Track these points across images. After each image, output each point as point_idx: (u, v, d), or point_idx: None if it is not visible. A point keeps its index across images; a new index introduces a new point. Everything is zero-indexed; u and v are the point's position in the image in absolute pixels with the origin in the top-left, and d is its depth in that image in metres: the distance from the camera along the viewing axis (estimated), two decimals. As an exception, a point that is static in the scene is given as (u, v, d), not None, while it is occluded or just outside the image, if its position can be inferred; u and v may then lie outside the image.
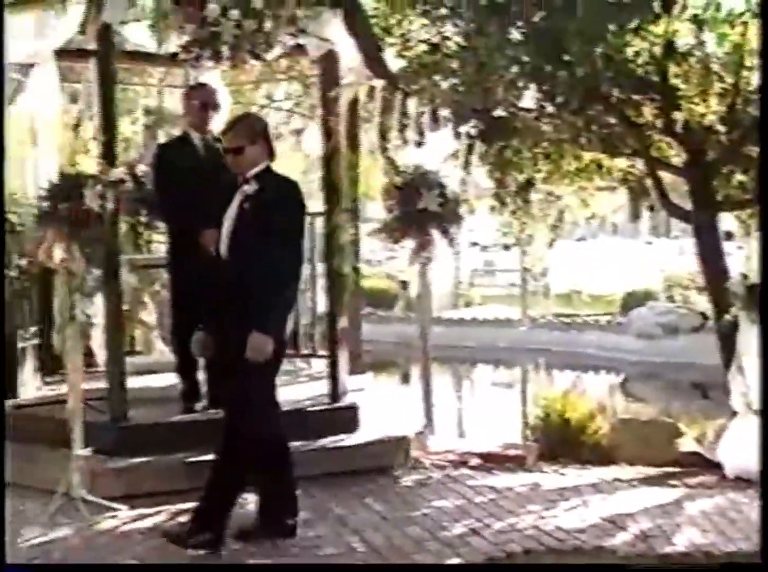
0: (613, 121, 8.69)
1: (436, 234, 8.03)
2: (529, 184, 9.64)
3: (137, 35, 8.34)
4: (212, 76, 8.83)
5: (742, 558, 6.10)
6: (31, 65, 8.75)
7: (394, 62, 8.64)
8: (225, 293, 6.22)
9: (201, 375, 8.06)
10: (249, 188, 6.22)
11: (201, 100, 7.97)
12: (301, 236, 6.25)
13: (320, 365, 9.15)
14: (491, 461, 8.19)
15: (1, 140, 5.48)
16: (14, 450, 7.90)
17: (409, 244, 8.10)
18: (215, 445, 6.35)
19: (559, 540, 6.41)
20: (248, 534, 6.31)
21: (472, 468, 8.06)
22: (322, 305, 9.11)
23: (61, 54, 8.41)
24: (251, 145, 6.29)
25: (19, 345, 8.94)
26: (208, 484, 6.22)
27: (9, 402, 8.63)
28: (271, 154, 6.40)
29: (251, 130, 6.39)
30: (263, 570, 4.73)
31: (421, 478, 7.65)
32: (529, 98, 8.67)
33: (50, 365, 9.01)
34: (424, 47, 8.83)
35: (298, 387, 8.77)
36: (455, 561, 6.07)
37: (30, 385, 8.97)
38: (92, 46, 7.92)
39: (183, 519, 6.62)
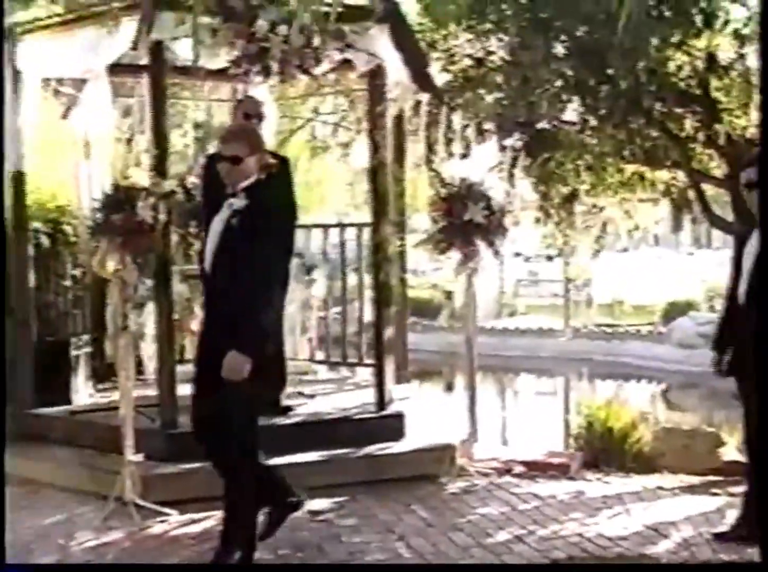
0: (655, 133, 8.69)
1: (481, 245, 8.03)
2: (573, 196, 9.64)
3: (187, 51, 8.41)
4: (260, 90, 8.90)
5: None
6: (85, 81, 8.84)
7: (439, 76, 8.66)
8: (207, 309, 6.07)
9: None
10: (237, 202, 5.93)
11: (247, 111, 8.01)
12: (287, 257, 6.21)
13: (366, 374, 9.18)
14: (535, 469, 8.19)
15: (1, 140, 5.53)
16: (68, 456, 8.03)
17: (455, 255, 8.11)
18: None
19: (601, 547, 6.40)
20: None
21: (516, 475, 8.05)
22: (368, 315, 9.14)
23: (114, 69, 8.46)
24: (250, 155, 6.01)
25: (73, 353, 9.03)
26: (225, 506, 6.05)
27: (62, 409, 8.74)
28: (263, 167, 6.10)
29: (253, 140, 6.17)
30: (263, 570, 4.74)
31: (466, 485, 7.65)
32: (572, 111, 8.69)
33: (103, 373, 9.11)
34: (468, 62, 8.86)
35: (345, 396, 8.81)
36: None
37: (83, 392, 9.06)
38: (144, 61, 8.00)
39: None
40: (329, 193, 19.58)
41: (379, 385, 8.33)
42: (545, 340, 21.51)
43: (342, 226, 9.55)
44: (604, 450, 8.70)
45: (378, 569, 5.85)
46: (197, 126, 11.51)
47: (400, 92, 8.58)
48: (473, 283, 8.17)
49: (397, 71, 8.34)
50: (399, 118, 8.86)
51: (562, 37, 8.16)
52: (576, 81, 8.20)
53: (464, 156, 8.57)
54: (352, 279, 9.72)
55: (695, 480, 8.23)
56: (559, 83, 8.27)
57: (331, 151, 13.66)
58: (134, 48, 7.67)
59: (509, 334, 22.07)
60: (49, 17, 8.53)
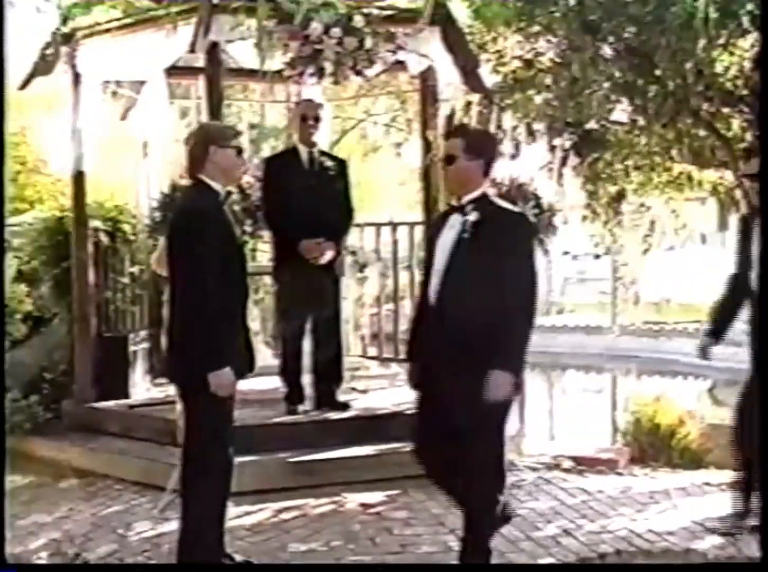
0: (703, 133, 8.61)
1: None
2: (621, 195, 9.58)
3: (242, 53, 8.46)
4: (314, 91, 8.93)
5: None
6: (143, 83, 8.91)
7: (489, 78, 8.63)
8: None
9: (304, 379, 8.15)
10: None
11: (306, 113, 8.04)
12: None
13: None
14: (583, 464, 8.15)
15: (1, 140, 5.56)
16: (127, 448, 8.11)
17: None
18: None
19: (649, 542, 6.36)
20: None
21: (565, 470, 8.02)
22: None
23: (172, 72, 8.54)
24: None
25: (131, 348, 9.13)
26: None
27: (121, 403, 8.82)
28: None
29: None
30: (264, 570, 4.74)
31: (515, 480, 7.62)
32: (620, 112, 8.63)
33: (160, 368, 9.18)
34: (518, 63, 8.81)
35: (397, 391, 8.81)
36: (548, 561, 6.05)
37: (140, 387, 9.14)
38: (201, 64, 8.04)
39: (284, 516, 6.72)
40: (381, 192, 19.60)
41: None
42: (593, 338, 21.39)
43: (394, 225, 9.56)
44: (651, 446, 8.64)
45: (378, 569, 5.84)
46: (252, 127, 11.59)
47: (451, 93, 8.57)
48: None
49: (448, 72, 8.33)
50: (450, 119, 8.85)
51: (610, 39, 8.09)
52: (624, 82, 8.14)
53: (514, 156, 8.56)
54: (403, 276, 9.72)
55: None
56: (607, 84, 8.21)
57: (382, 151, 13.66)
58: (191, 51, 7.72)
59: (557, 331, 21.96)
60: (109, 22, 8.60)
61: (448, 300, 5.28)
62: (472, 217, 5.28)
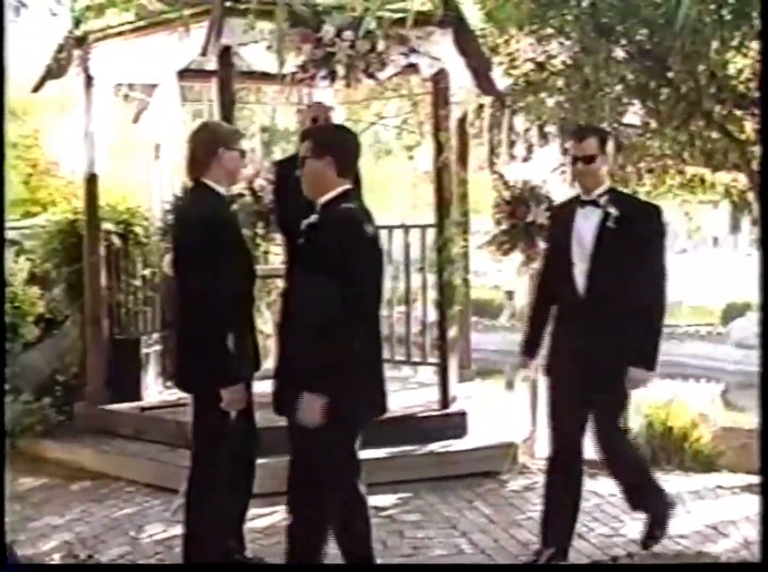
0: (715, 136, 8.59)
1: (543, 246, 8.01)
2: (633, 198, 9.56)
3: (254, 56, 8.46)
4: (326, 94, 8.92)
5: None
6: (155, 85, 8.92)
7: (501, 80, 8.63)
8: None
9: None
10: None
11: (317, 116, 8.01)
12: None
13: (430, 372, 9.17)
14: (595, 467, 8.12)
15: (1, 140, 5.57)
16: (139, 450, 8.12)
17: (517, 256, 8.09)
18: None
19: (661, 545, 6.34)
20: None
21: (577, 473, 8.00)
22: (432, 314, 9.14)
23: (184, 74, 8.55)
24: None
25: (143, 350, 9.14)
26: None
27: (134, 405, 8.83)
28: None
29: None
30: (264, 569, 4.74)
31: (527, 482, 7.63)
32: (633, 114, 8.61)
33: (170, 374, 9.19)
34: (530, 65, 8.80)
35: (409, 394, 8.82)
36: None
37: (152, 389, 9.15)
38: (213, 66, 8.05)
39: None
40: (393, 194, 19.59)
41: (443, 384, 8.33)
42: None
43: (406, 228, 9.55)
44: (663, 449, 8.63)
45: (379, 569, 5.85)
46: (263, 130, 11.58)
47: (463, 96, 8.57)
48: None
49: (460, 75, 8.33)
50: (462, 122, 8.85)
51: (623, 41, 8.08)
52: (636, 84, 8.13)
53: (526, 158, 8.55)
54: (415, 279, 9.71)
55: (754, 479, 8.13)
56: (619, 86, 8.20)
57: (394, 154, 13.65)
58: (204, 53, 7.71)
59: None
60: (121, 24, 8.60)
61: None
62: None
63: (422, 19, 7.88)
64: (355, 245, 4.82)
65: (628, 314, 5.49)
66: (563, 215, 5.82)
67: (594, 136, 5.68)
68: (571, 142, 5.75)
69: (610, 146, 5.71)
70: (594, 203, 5.61)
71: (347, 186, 5.07)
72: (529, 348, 5.96)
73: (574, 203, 5.75)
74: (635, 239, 5.51)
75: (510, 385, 13.80)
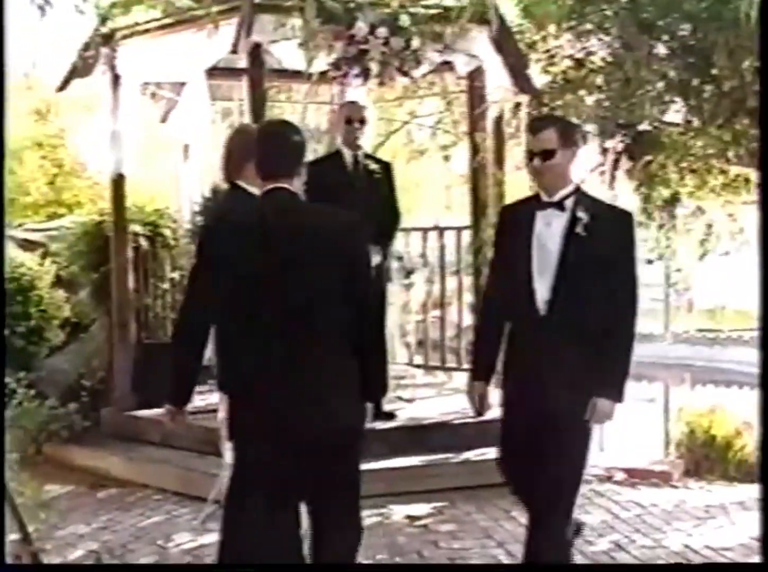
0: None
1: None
2: (675, 198, 9.50)
3: (285, 54, 8.46)
4: (358, 92, 8.93)
5: None
6: (183, 84, 8.94)
7: (539, 78, 8.61)
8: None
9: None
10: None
11: (351, 115, 8.01)
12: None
13: (464, 378, 9.14)
14: (636, 476, 8.11)
15: (1, 140, 5.59)
16: (166, 457, 8.13)
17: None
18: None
19: (705, 557, 6.31)
20: None
21: (617, 482, 7.99)
22: (467, 318, 9.13)
23: (213, 73, 8.55)
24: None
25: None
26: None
27: (160, 411, 8.81)
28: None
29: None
30: (265, 570, 4.74)
31: (565, 492, 7.59)
32: (675, 112, 8.57)
33: (201, 376, 9.19)
34: (569, 63, 8.78)
35: (443, 400, 8.80)
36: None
37: (181, 395, 9.12)
38: (243, 64, 8.06)
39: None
40: (427, 196, 19.58)
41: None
42: (645, 345, 21.19)
43: (441, 230, 9.54)
44: (706, 458, 8.59)
45: (379, 569, 5.84)
46: (293, 130, 11.57)
47: (499, 94, 8.56)
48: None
49: (496, 73, 8.32)
50: (498, 121, 8.83)
51: (665, 37, 8.05)
52: (679, 81, 8.09)
53: (565, 158, 8.51)
54: (450, 282, 9.70)
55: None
56: (661, 84, 8.17)
57: (428, 154, 13.64)
58: (234, 51, 7.73)
59: (607, 339, 21.85)
60: (148, 22, 8.64)
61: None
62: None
63: (458, 16, 7.88)
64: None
65: (594, 336, 4.87)
66: (518, 218, 5.06)
67: (552, 127, 4.92)
68: (527, 134, 5.03)
69: (576, 139, 4.99)
70: (558, 205, 4.92)
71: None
72: (481, 371, 5.21)
73: (531, 205, 5.02)
74: (606, 249, 4.87)
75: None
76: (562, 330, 4.87)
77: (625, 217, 5.09)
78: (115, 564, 6.28)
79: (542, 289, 4.90)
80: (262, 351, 4.45)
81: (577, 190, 4.98)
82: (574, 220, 4.89)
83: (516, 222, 5.06)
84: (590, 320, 4.88)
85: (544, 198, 4.96)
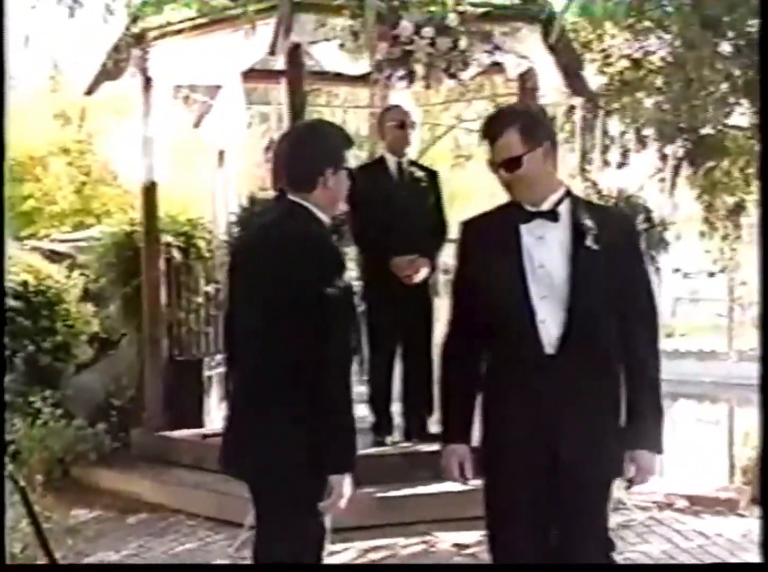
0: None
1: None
2: (740, 207, 9.48)
3: (325, 55, 8.50)
4: (402, 96, 8.95)
5: None
6: (218, 87, 9.00)
7: (594, 79, 8.60)
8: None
9: (393, 408, 8.17)
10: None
11: (398, 120, 7.98)
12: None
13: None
14: (699, 503, 8.06)
15: (1, 139, 5.63)
16: (200, 481, 8.16)
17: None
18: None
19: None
20: None
21: (679, 510, 7.94)
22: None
23: (249, 75, 8.58)
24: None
25: (205, 373, 9.18)
26: None
27: (194, 432, 8.89)
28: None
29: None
30: (264, 570, 4.76)
31: (623, 520, 7.56)
32: (740, 115, 8.55)
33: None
34: (626, 63, 8.77)
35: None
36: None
37: (215, 414, 9.16)
38: (281, 66, 8.10)
39: (372, 556, 6.71)
40: (475, 204, 19.58)
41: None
42: (707, 364, 21.14)
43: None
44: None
45: (378, 569, 5.86)
46: (334, 134, 11.60)
47: (552, 97, 8.56)
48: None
49: (549, 74, 8.31)
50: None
51: (730, 34, 8.02)
52: (744, 82, 8.06)
53: (622, 164, 8.52)
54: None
55: None
56: (725, 85, 8.15)
57: (476, 160, 13.66)
58: (271, 52, 7.76)
59: (667, 357, 21.54)
60: (182, 22, 8.69)
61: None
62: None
63: (508, 14, 7.90)
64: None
65: (615, 373, 4.23)
66: (492, 235, 4.26)
67: (511, 128, 4.16)
68: (484, 141, 4.28)
69: (544, 133, 4.25)
70: (550, 215, 4.20)
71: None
72: (457, 430, 4.39)
73: (509, 216, 4.25)
74: (620, 263, 4.19)
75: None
76: (578, 372, 4.14)
77: (629, 221, 4.72)
78: (115, 564, 6.37)
79: (549, 322, 4.14)
80: None
81: (569, 194, 4.27)
82: (576, 231, 4.18)
83: (490, 240, 4.26)
84: (610, 354, 4.21)
85: (529, 207, 4.21)
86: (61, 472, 8.93)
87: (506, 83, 9.52)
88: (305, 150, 4.39)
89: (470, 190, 19.03)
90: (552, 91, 8.52)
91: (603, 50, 8.95)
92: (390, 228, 7.65)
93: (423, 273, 7.80)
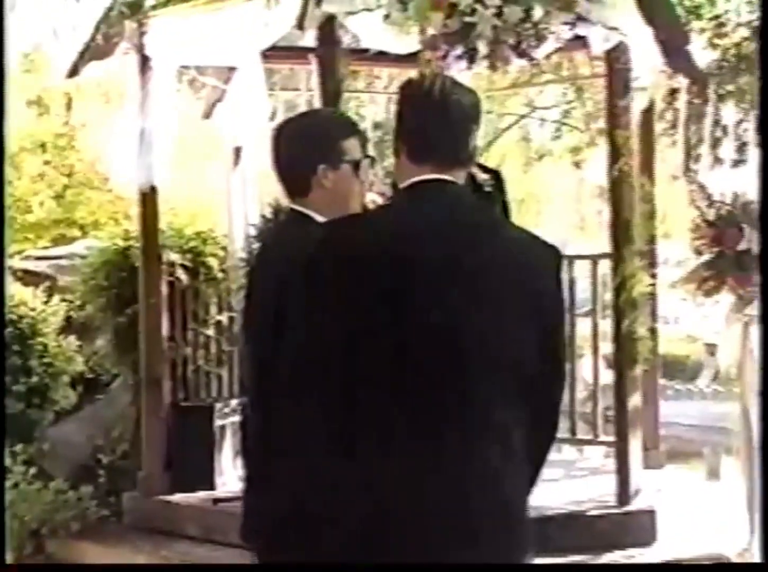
0: None
1: (761, 284, 7.94)
2: None
3: (365, 29, 8.52)
4: (461, 79, 8.95)
5: None
6: (232, 69, 9.03)
7: (703, 55, 8.58)
8: None
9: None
10: None
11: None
12: None
13: (602, 455, 9.15)
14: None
15: (1, 139, 5.65)
16: (210, 555, 8.18)
17: (726, 297, 8.02)
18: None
19: None
20: None
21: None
22: (604, 375, 9.09)
23: (272, 54, 8.62)
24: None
25: (217, 422, 9.17)
26: None
27: (203, 495, 8.91)
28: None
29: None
30: (262, 570, 4.79)
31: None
32: None
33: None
34: (744, 32, 8.74)
35: (574, 484, 8.78)
36: None
37: (229, 474, 9.18)
38: (311, 43, 8.12)
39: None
40: (550, 213, 19.59)
41: (621, 471, 8.27)
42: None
43: (569, 259, 9.53)
44: None
45: (378, 569, 5.88)
46: (376, 126, 11.66)
47: (649, 79, 8.54)
48: (750, 335, 8.05)
49: (645, 50, 8.30)
50: (647, 114, 8.82)
51: None
52: None
53: (738, 162, 8.48)
54: (582, 327, 9.68)
55: None
56: None
57: (551, 158, 13.69)
58: (299, 26, 7.79)
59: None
60: (188, -11, 8.74)
61: None
62: None
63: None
64: None
65: None
66: None
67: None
68: None
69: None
70: None
71: None
72: None
73: None
74: None
75: (714, 474, 13.66)
76: None
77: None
78: (115, 564, 6.32)
79: None
80: None
81: None
82: None
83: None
84: None
85: None
86: (34, 547, 8.95)
87: (590, 62, 9.52)
88: (293, 147, 4.43)
89: (544, 196, 19.06)
90: (648, 71, 8.49)
91: (716, 17, 8.92)
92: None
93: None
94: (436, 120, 4.02)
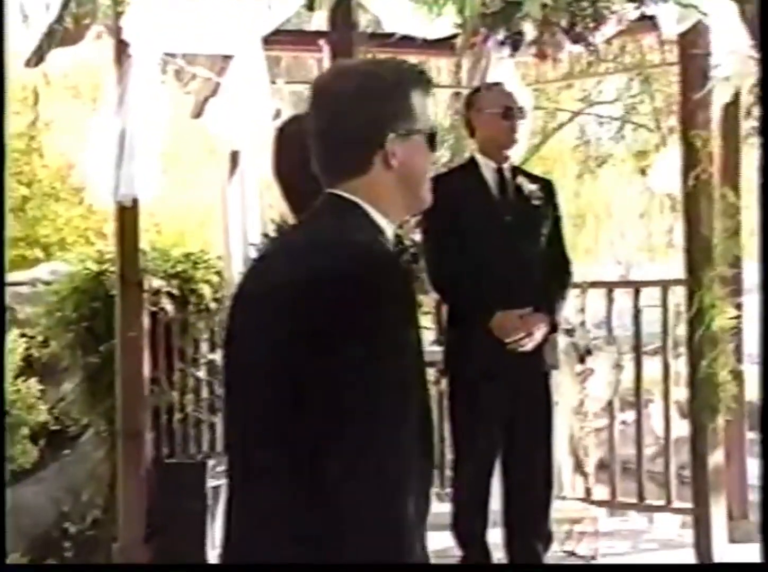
0: None
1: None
2: None
3: (388, 10, 8.54)
4: (504, 69, 8.96)
5: None
6: (227, 57, 9.04)
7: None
8: None
9: (491, 535, 8.16)
10: None
11: (499, 106, 7.86)
12: None
13: (677, 524, 9.12)
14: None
15: (1, 139, 5.69)
16: None
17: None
18: None
19: None
20: None
21: None
22: (679, 427, 9.08)
23: (275, 40, 8.65)
24: None
25: (209, 482, 9.14)
26: None
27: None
28: None
29: None
30: (261, 569, 4.83)
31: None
32: None
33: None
34: None
35: (644, 558, 8.77)
36: None
37: (224, 547, 9.14)
38: (323, 26, 8.15)
39: None
40: (611, 230, 19.62)
41: (701, 544, 8.26)
42: None
43: (635, 285, 9.53)
44: None
45: (378, 569, 5.94)
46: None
47: (734, 67, 8.52)
48: None
49: (729, 33, 8.28)
50: (731, 109, 8.80)
51: None
52: None
53: None
54: (651, 367, 9.66)
55: None
56: None
57: (613, 163, 13.71)
58: (309, 7, 7.82)
59: None
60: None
61: None
62: None
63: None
64: None
65: None
66: None
67: None
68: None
69: None
70: None
71: None
72: None
73: None
74: None
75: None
76: None
77: None
78: (115, 564, 6.36)
79: None
80: None
81: None
82: None
83: None
84: None
85: None
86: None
87: (660, 47, 9.52)
88: (348, 107, 3.60)
89: (604, 209, 19.08)
90: (732, 57, 8.47)
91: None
92: (488, 268, 7.61)
93: (538, 335, 7.72)
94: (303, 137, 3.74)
